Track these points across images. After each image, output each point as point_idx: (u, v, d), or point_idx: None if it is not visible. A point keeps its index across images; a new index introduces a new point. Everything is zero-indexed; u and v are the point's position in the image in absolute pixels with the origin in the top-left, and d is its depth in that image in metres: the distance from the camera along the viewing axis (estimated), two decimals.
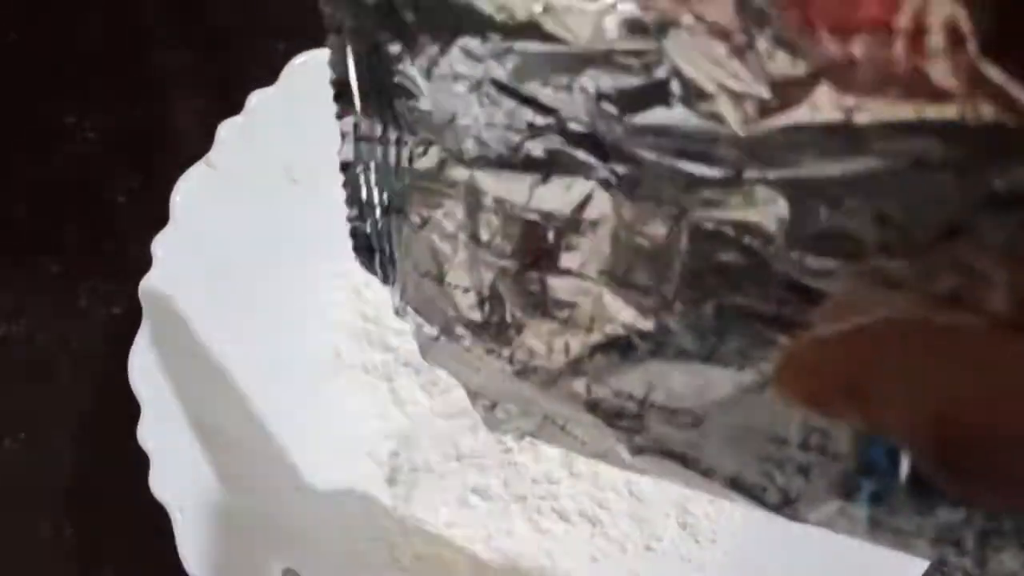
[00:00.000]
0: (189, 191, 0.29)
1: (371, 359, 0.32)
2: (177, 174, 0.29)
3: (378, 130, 0.16)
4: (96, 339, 0.33)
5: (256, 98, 0.30)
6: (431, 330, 0.17)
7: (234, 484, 0.28)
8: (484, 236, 0.15)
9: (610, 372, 0.15)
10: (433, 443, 0.32)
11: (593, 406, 0.16)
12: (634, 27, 0.12)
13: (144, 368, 0.27)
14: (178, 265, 0.28)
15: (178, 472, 0.26)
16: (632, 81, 0.13)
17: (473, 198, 0.15)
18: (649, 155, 0.13)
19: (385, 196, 0.17)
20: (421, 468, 0.32)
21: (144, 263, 0.28)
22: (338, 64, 0.16)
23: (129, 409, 0.27)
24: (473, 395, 0.19)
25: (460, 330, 0.16)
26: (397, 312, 0.18)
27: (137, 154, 0.36)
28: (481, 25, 0.14)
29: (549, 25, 0.13)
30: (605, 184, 0.14)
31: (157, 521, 0.26)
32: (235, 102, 0.30)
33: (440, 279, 0.16)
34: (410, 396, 0.32)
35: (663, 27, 0.12)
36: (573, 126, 0.14)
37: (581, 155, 0.14)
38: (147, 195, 0.30)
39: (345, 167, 0.17)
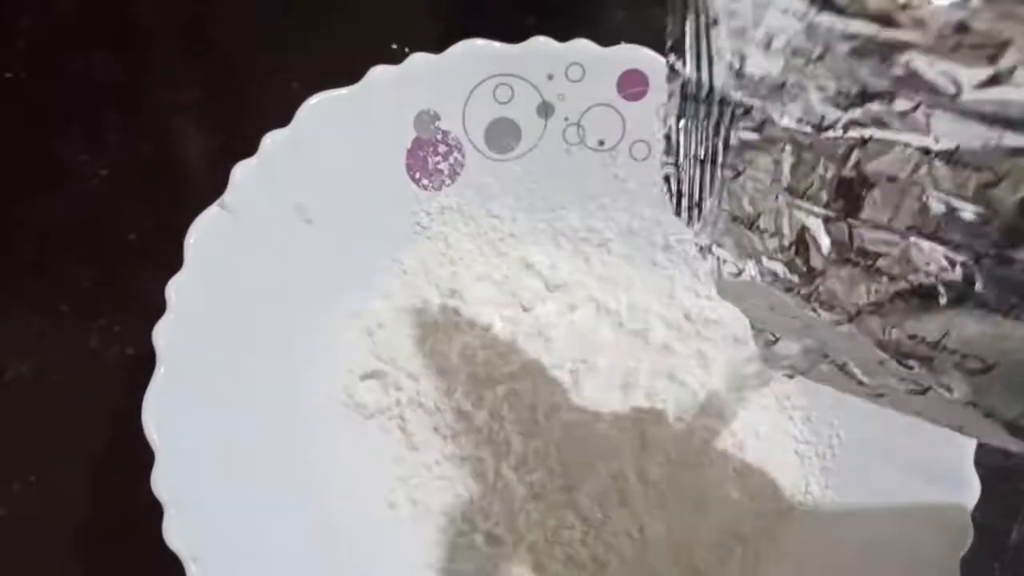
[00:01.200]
0: (203, 234, 0.29)
1: (384, 400, 0.32)
2: (190, 213, 0.29)
3: (704, 92, 0.18)
4: (108, 380, 0.32)
5: (270, 139, 0.30)
6: (732, 268, 0.19)
7: (249, 532, 0.27)
8: (800, 188, 0.17)
9: (908, 316, 0.16)
10: (445, 486, 0.32)
11: (885, 345, 0.17)
12: None
13: (159, 415, 0.27)
14: (192, 309, 0.28)
15: (192, 521, 0.26)
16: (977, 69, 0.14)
17: (794, 155, 0.17)
18: (977, 127, 0.14)
19: (701, 149, 0.19)
20: (433, 510, 0.32)
21: (157, 302, 0.28)
22: (676, 30, 0.18)
23: (143, 453, 0.26)
24: (758, 331, 0.21)
25: (762, 269, 0.18)
26: (700, 250, 0.20)
27: (150, 193, 0.36)
28: (830, 5, 0.15)
29: (901, 16, 0.14)
30: (924, 151, 0.15)
31: (171, 570, 0.26)
32: (250, 141, 0.30)
33: (750, 224, 0.18)
34: (423, 439, 0.32)
35: None
36: (902, 98, 0.15)
37: (906, 124, 0.15)
38: (159, 234, 0.29)
39: (668, 121, 0.19)
